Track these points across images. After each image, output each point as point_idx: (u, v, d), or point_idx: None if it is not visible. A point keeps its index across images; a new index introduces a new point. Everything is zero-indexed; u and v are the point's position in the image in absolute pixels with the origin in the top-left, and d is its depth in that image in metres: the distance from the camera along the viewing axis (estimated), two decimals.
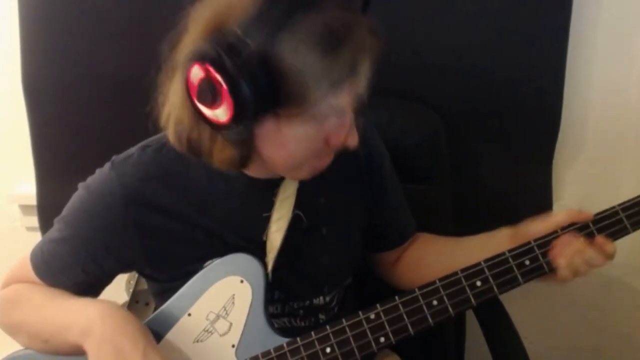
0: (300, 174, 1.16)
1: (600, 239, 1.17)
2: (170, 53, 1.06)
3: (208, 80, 0.93)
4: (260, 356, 1.18)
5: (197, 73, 0.95)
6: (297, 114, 0.99)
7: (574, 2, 1.67)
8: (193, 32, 1.00)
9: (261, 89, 0.93)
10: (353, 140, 1.07)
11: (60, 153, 1.85)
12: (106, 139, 1.78)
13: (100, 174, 1.19)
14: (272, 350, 1.18)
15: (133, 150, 1.21)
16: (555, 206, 1.89)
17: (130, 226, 1.16)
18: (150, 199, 1.16)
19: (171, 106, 1.08)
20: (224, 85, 0.92)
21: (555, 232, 1.20)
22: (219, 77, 0.92)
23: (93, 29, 1.74)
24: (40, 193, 1.89)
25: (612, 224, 1.19)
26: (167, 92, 1.09)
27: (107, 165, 1.19)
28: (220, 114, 0.95)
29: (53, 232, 1.24)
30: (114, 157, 1.20)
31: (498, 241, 1.25)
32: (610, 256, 1.16)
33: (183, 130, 1.08)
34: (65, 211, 1.22)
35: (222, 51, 0.91)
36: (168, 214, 1.17)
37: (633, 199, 1.21)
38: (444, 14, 1.70)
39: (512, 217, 1.89)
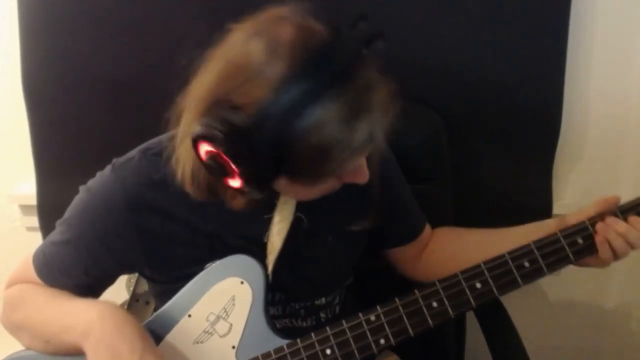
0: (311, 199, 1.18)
1: (633, 219, 1.19)
2: (177, 110, 1.07)
3: (218, 162, 0.95)
4: (260, 358, 1.19)
5: (206, 150, 0.96)
6: (312, 183, 1.02)
7: (574, 2, 1.67)
8: (201, 100, 1.00)
9: (275, 170, 0.95)
10: (363, 179, 1.09)
11: (60, 153, 1.84)
12: (106, 139, 1.79)
13: (101, 177, 1.20)
14: (272, 352, 1.18)
15: (134, 153, 1.21)
16: (555, 206, 1.89)
17: (131, 228, 1.17)
18: (150, 201, 1.17)
19: (184, 162, 1.09)
20: (235, 169, 0.94)
21: (583, 222, 1.21)
22: (230, 163, 0.93)
23: (93, 29, 1.73)
24: (40, 193, 1.89)
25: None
26: (177, 140, 1.10)
27: (108, 168, 1.20)
28: (233, 183, 0.97)
29: (55, 234, 1.24)
30: (114, 160, 1.20)
31: (547, 230, 1.25)
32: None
33: (202, 181, 1.10)
34: (66, 214, 1.23)
35: (233, 138, 0.91)
36: (169, 217, 1.18)
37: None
38: (445, 14, 1.69)
39: (512, 217, 1.89)
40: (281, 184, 1.02)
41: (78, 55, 1.76)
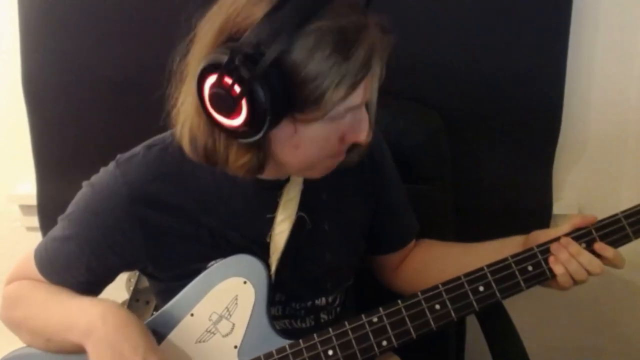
0: (313, 173, 1.16)
1: (597, 245, 1.18)
2: (180, 63, 1.06)
3: (224, 90, 0.93)
4: (262, 357, 1.18)
5: (212, 83, 0.95)
6: (315, 117, 0.99)
7: (574, 2, 1.68)
8: (204, 41, 1.01)
9: (278, 96, 0.94)
10: (365, 135, 1.08)
11: (60, 153, 1.85)
12: (106, 139, 1.79)
13: (105, 173, 1.19)
14: (274, 352, 1.18)
15: (138, 149, 1.21)
16: (555, 206, 1.89)
17: (134, 225, 1.17)
18: (154, 197, 1.17)
19: (185, 116, 1.09)
20: (242, 95, 0.92)
21: (557, 238, 1.21)
22: (236, 87, 0.92)
23: (93, 30, 1.73)
24: (40, 193, 1.89)
25: (614, 231, 1.20)
26: (178, 102, 1.09)
27: (112, 164, 1.19)
28: (237, 121, 0.96)
29: (57, 230, 1.24)
30: (118, 156, 1.20)
31: (513, 248, 1.25)
32: (611, 260, 1.18)
33: (199, 140, 1.07)
34: (69, 209, 1.22)
35: (239, 60, 0.91)
36: (172, 213, 1.18)
37: (636, 206, 1.21)
38: (445, 14, 1.70)
39: (512, 217, 1.90)
40: (283, 132, 1.01)
41: (78, 56, 1.76)
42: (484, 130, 1.81)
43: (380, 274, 1.50)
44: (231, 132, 0.99)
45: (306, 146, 1.05)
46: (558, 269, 1.18)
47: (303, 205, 1.23)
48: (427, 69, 1.75)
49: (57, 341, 1.17)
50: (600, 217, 1.21)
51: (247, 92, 0.92)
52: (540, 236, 1.24)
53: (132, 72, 1.76)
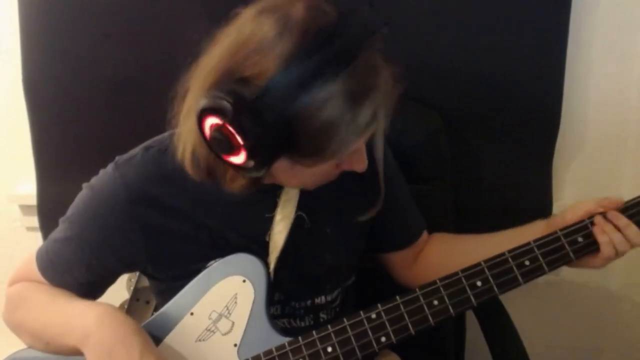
0: (307, 187, 1.19)
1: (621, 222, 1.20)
2: (183, 83, 1.06)
3: (224, 136, 0.94)
4: (262, 355, 1.19)
5: (213, 125, 0.95)
6: (314, 163, 1.02)
7: (573, 1, 1.68)
8: (207, 70, 1.00)
9: (279, 147, 0.95)
10: (362, 166, 1.10)
11: (61, 153, 1.85)
12: (106, 139, 1.79)
13: (104, 174, 1.20)
14: (273, 350, 1.19)
15: (137, 150, 1.21)
16: (555, 206, 1.89)
17: (134, 225, 1.17)
18: (153, 198, 1.17)
19: (185, 139, 1.09)
20: (243, 145, 0.93)
21: (583, 221, 1.21)
22: (236, 135, 0.93)
23: (93, 30, 1.74)
24: (40, 193, 1.89)
25: None
26: (180, 123, 1.10)
27: (111, 165, 1.20)
28: (236, 160, 0.96)
29: (58, 232, 1.24)
30: (117, 158, 1.21)
31: (534, 232, 1.26)
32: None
33: (201, 161, 1.10)
34: (69, 211, 1.23)
35: (241, 110, 0.91)
36: (171, 214, 1.18)
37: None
38: (445, 14, 1.70)
39: (512, 217, 1.89)
40: (281, 165, 1.02)
41: (78, 56, 1.76)
42: (484, 130, 1.81)
43: (395, 272, 1.49)
44: (229, 165, 0.99)
45: (303, 177, 1.09)
46: (603, 240, 1.18)
47: (302, 205, 1.23)
48: (427, 69, 1.74)
49: (56, 345, 1.17)
50: None
51: (247, 141, 0.92)
52: (567, 215, 1.26)
53: (132, 72, 1.76)
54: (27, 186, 1.96)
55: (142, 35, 1.73)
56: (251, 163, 0.95)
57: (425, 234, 1.49)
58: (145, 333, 1.14)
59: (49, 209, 1.88)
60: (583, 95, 1.82)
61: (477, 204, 1.88)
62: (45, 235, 1.86)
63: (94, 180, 1.21)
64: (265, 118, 0.91)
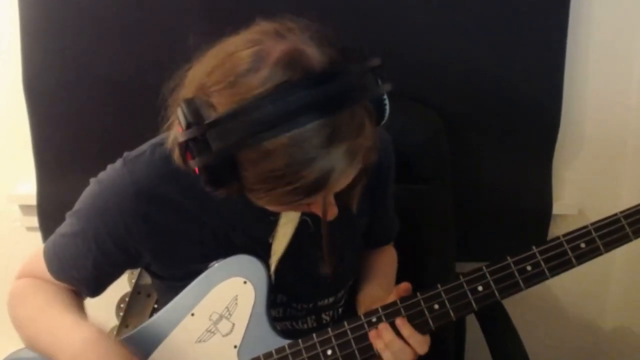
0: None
1: (406, 331, 1.16)
2: (176, 86, 1.06)
3: (181, 145, 0.95)
4: (262, 357, 1.19)
5: (178, 135, 0.96)
6: (266, 202, 1.01)
7: (572, 1, 1.68)
8: (190, 84, 1.00)
9: (226, 174, 0.94)
10: (323, 216, 1.05)
11: (61, 153, 1.85)
12: (106, 139, 1.79)
13: (113, 170, 1.19)
14: (273, 352, 1.19)
15: (145, 147, 1.21)
16: (555, 206, 1.89)
17: (140, 222, 1.17)
18: (160, 196, 1.17)
19: (174, 129, 1.08)
20: (196, 165, 0.94)
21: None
22: (189, 159, 0.94)
23: (93, 30, 1.73)
24: (40, 193, 1.89)
25: (613, 231, 1.19)
26: (171, 120, 1.09)
27: (119, 161, 1.19)
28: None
29: (65, 226, 1.24)
30: (125, 154, 1.20)
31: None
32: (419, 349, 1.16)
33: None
34: (76, 206, 1.22)
35: (193, 131, 0.91)
36: (177, 212, 1.18)
37: (635, 206, 1.20)
38: (445, 14, 1.70)
39: (512, 217, 1.90)
40: (245, 188, 1.00)
41: (78, 56, 1.76)
42: (484, 130, 1.81)
43: None
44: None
45: (266, 204, 1.04)
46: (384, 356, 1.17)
47: None
48: (427, 69, 1.75)
49: (47, 355, 1.17)
50: (599, 216, 1.21)
51: (195, 163, 0.93)
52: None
53: (132, 72, 1.76)
54: (27, 186, 1.96)
55: (142, 35, 1.73)
56: (202, 178, 0.95)
57: None
58: (131, 358, 1.13)
59: (49, 209, 1.89)
60: (583, 95, 1.82)
61: (477, 204, 1.89)
62: (45, 235, 1.86)
63: (101, 175, 1.21)
64: (212, 147, 0.91)
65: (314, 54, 0.93)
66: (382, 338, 1.16)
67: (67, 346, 1.12)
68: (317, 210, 1.05)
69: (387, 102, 0.99)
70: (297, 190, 0.93)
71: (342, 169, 0.94)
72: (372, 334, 1.17)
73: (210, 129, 0.91)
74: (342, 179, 0.97)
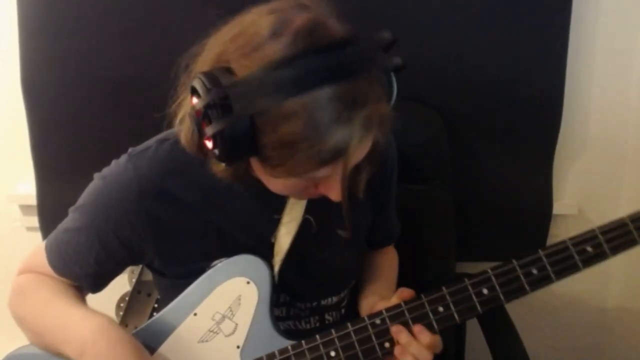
0: (295, 197, 1.18)
1: (416, 327, 1.16)
2: (187, 68, 1.06)
3: (196, 117, 0.95)
4: (265, 358, 1.18)
5: (194, 106, 0.95)
6: (277, 174, 1.00)
7: (574, 2, 1.68)
8: (206, 56, 1.01)
9: (244, 143, 0.93)
10: (334, 197, 1.05)
11: (60, 153, 1.84)
12: (106, 139, 1.79)
13: (117, 165, 1.19)
14: (276, 353, 1.18)
15: (151, 142, 1.20)
16: (555, 206, 1.90)
17: (144, 218, 1.16)
18: (164, 192, 1.16)
19: (183, 112, 1.08)
20: (206, 128, 0.93)
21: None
22: (206, 125, 0.93)
23: (92, 30, 1.73)
24: (40, 193, 1.88)
25: (620, 235, 1.19)
26: (182, 98, 1.09)
27: (124, 157, 1.19)
28: (207, 143, 0.96)
29: (67, 222, 1.23)
30: (130, 149, 1.20)
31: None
32: (429, 346, 1.16)
33: (193, 134, 1.06)
34: (80, 201, 1.22)
35: (212, 96, 0.91)
36: (182, 209, 1.18)
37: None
38: (445, 14, 1.70)
39: (512, 217, 1.91)
40: (256, 166, 1.02)
41: (78, 56, 1.75)
42: (484, 130, 1.82)
43: None
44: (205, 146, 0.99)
45: (276, 186, 1.06)
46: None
47: (310, 209, 1.23)
48: (427, 69, 1.75)
49: (54, 349, 1.17)
50: (599, 216, 1.21)
51: (212, 131, 0.92)
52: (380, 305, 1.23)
53: (132, 72, 1.76)
54: (27, 186, 1.95)
55: (142, 35, 1.73)
56: (216, 152, 0.95)
57: None
58: (141, 348, 1.13)
59: (48, 209, 1.88)
60: (584, 96, 1.83)
61: (477, 204, 1.89)
62: (45, 235, 1.86)
63: (106, 170, 1.20)
64: (233, 110, 0.91)
65: (335, 25, 0.95)
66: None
67: (77, 339, 1.12)
68: (326, 189, 1.04)
69: (395, 81, 1.01)
70: (316, 157, 0.94)
71: (361, 136, 0.94)
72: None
73: (231, 91, 0.91)
74: (360, 149, 0.98)
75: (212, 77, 0.93)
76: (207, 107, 0.92)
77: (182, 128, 1.08)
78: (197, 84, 0.94)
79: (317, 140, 0.92)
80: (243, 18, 0.99)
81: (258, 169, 1.04)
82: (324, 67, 0.91)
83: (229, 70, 0.94)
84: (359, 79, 0.93)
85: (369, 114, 0.94)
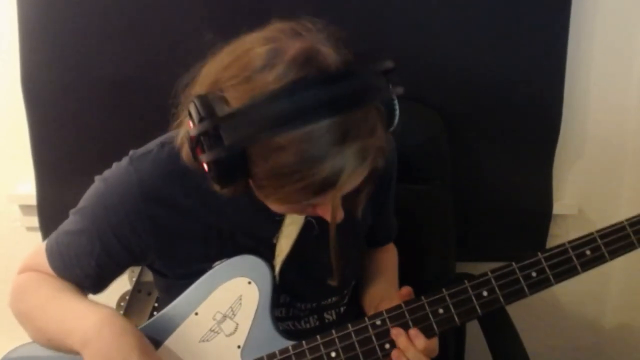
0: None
1: (412, 331, 1.17)
2: (189, 82, 1.06)
3: (192, 139, 0.95)
4: (265, 358, 1.19)
5: (191, 130, 0.96)
6: (268, 198, 1.01)
7: (574, 2, 1.68)
8: (203, 81, 1.01)
9: (237, 170, 0.94)
10: (328, 219, 1.05)
11: (60, 153, 1.84)
12: (106, 140, 1.79)
13: (118, 168, 1.19)
14: (277, 353, 1.18)
15: (152, 145, 1.20)
16: (555, 206, 1.90)
17: (145, 221, 1.17)
18: (166, 195, 1.17)
19: (185, 132, 1.08)
20: (199, 154, 0.94)
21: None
22: (199, 152, 0.94)
23: (92, 30, 1.73)
24: (40, 193, 1.88)
25: (618, 238, 1.19)
26: (182, 117, 1.09)
27: (125, 159, 1.19)
28: (205, 167, 0.96)
29: (68, 223, 1.24)
30: (132, 152, 1.20)
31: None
32: (424, 351, 1.16)
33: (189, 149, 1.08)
34: (81, 203, 1.22)
35: (206, 125, 0.91)
36: (182, 211, 1.18)
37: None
38: (445, 14, 1.70)
39: (512, 217, 1.90)
40: (252, 184, 1.01)
41: (78, 56, 1.75)
42: (484, 130, 1.82)
43: None
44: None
45: (272, 206, 1.06)
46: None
47: None
48: (427, 69, 1.75)
49: (57, 343, 1.17)
50: (599, 216, 1.21)
51: (206, 158, 0.93)
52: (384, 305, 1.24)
53: (132, 72, 1.76)
54: (27, 186, 1.95)
55: (142, 35, 1.73)
56: (211, 175, 0.95)
57: None
58: (145, 340, 1.14)
59: (48, 209, 1.88)
60: (584, 96, 1.83)
61: (477, 204, 1.89)
62: (46, 235, 1.86)
63: (107, 173, 1.20)
64: (224, 140, 0.91)
65: (330, 54, 0.94)
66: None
67: (80, 330, 1.12)
68: (322, 213, 1.05)
69: (397, 106, 0.99)
70: (307, 188, 0.94)
71: (353, 168, 0.94)
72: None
73: (223, 123, 0.91)
74: (352, 179, 0.98)
75: (206, 104, 0.94)
76: (199, 136, 0.92)
77: (183, 148, 1.09)
78: (192, 110, 0.94)
79: (309, 172, 0.92)
80: (237, 46, 0.99)
81: (255, 190, 1.04)
82: (316, 102, 0.90)
83: (223, 99, 0.94)
84: (354, 110, 0.92)
85: (361, 147, 0.94)
